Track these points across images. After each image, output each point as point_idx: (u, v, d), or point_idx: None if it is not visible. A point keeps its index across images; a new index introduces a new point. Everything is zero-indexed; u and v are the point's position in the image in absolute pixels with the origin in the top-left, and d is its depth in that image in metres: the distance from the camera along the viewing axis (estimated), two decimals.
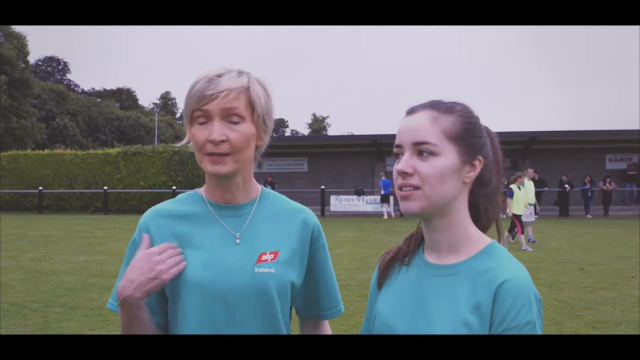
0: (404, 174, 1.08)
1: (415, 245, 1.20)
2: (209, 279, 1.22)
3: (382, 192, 20.20)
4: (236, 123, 1.21)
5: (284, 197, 1.39)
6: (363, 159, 24.35)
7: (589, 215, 20.32)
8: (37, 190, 24.20)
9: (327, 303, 1.38)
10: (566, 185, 20.61)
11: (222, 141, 1.20)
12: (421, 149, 1.07)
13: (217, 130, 1.19)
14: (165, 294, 1.28)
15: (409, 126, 1.10)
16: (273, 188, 22.16)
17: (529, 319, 1.00)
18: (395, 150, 1.13)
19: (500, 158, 1.18)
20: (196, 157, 1.24)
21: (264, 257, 1.25)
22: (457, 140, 1.08)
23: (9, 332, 5.04)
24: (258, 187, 1.36)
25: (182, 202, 1.34)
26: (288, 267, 1.27)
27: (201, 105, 1.20)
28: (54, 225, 17.04)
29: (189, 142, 1.26)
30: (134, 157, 24.55)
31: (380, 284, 1.22)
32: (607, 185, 20.65)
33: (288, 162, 25.51)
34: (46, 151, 26.99)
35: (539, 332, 1.01)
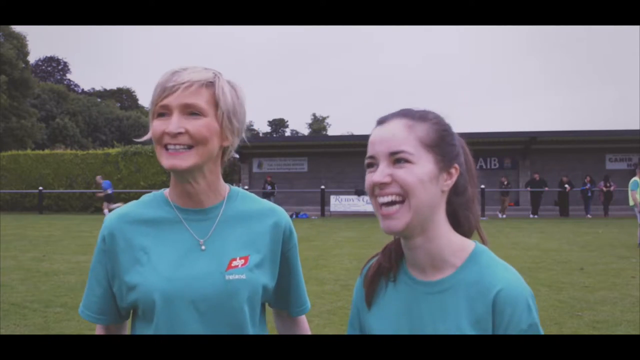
0: (381, 185, 1.03)
1: (396, 260, 1.15)
2: (178, 289, 1.18)
3: (108, 192, 20.46)
4: (197, 116, 1.16)
5: (253, 196, 1.34)
6: (363, 159, 24.13)
7: (589, 215, 20.32)
8: (37, 190, 24.19)
9: (296, 301, 1.39)
10: (566, 186, 20.61)
11: (180, 133, 1.14)
12: (397, 158, 1.03)
13: (175, 122, 1.14)
14: (115, 295, 1.26)
15: (382, 136, 1.06)
16: (273, 188, 22.21)
17: (531, 321, 1.00)
18: (368, 161, 1.08)
19: (472, 165, 1.15)
20: (156, 153, 1.19)
21: (234, 263, 1.21)
22: (433, 148, 1.05)
23: (9, 332, 5.04)
24: (226, 188, 1.31)
25: (147, 204, 1.28)
26: (259, 271, 1.24)
27: (163, 96, 1.15)
28: (54, 225, 17.03)
29: (150, 137, 1.21)
30: (134, 157, 24.55)
31: (369, 302, 1.17)
32: (606, 186, 20.62)
33: (288, 162, 25.49)
34: (46, 151, 26.99)
35: (541, 332, 1.01)
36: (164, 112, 1.16)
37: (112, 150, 25.70)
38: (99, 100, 58.39)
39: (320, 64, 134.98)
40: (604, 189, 20.55)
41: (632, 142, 21.87)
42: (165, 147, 1.16)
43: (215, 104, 1.18)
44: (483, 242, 1.15)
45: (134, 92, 67.63)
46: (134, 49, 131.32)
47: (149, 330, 1.21)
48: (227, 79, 1.23)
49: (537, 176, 21.15)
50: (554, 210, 21.42)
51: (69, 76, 62.96)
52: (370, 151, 1.07)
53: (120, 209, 1.28)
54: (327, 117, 74.74)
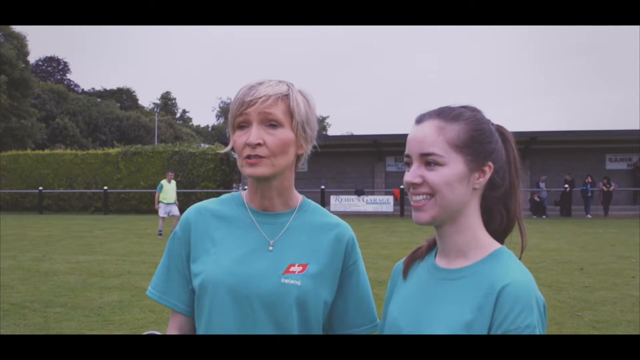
0: (413, 185, 1.10)
1: (431, 248, 1.22)
2: (235, 283, 1.23)
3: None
4: (274, 128, 1.23)
5: (324, 210, 1.39)
6: (363, 159, 24.33)
7: (589, 215, 20.32)
8: (37, 190, 24.20)
9: (356, 320, 1.34)
10: (566, 185, 20.61)
11: (259, 144, 1.22)
12: (428, 160, 1.09)
13: (255, 133, 1.22)
14: (179, 281, 1.32)
15: (416, 137, 1.12)
16: None
17: (529, 322, 0.99)
18: (405, 159, 1.16)
19: (515, 159, 1.17)
20: (237, 163, 1.27)
21: (292, 269, 1.26)
22: (463, 149, 1.09)
23: (9, 332, 5.04)
24: (298, 198, 1.37)
25: (224, 203, 1.36)
26: (316, 281, 1.27)
27: (241, 110, 1.23)
28: (54, 225, 17.04)
29: (232, 148, 1.29)
30: (134, 157, 24.55)
31: (405, 276, 1.24)
32: (605, 186, 20.61)
33: None
34: (46, 151, 27.01)
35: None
36: (243, 125, 1.25)
37: (112, 150, 25.70)
38: (99, 100, 58.31)
39: (320, 64, 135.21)
40: (604, 188, 20.54)
41: (632, 142, 21.86)
42: (246, 157, 1.24)
43: (291, 115, 1.25)
44: (521, 238, 1.18)
45: (134, 92, 67.60)
46: (134, 49, 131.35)
47: (201, 321, 1.27)
48: (298, 89, 1.30)
49: (543, 178, 21.24)
50: (554, 210, 21.44)
51: (69, 76, 63.01)
52: (406, 149, 1.14)
53: (200, 203, 1.38)
54: (327, 117, 74.67)
